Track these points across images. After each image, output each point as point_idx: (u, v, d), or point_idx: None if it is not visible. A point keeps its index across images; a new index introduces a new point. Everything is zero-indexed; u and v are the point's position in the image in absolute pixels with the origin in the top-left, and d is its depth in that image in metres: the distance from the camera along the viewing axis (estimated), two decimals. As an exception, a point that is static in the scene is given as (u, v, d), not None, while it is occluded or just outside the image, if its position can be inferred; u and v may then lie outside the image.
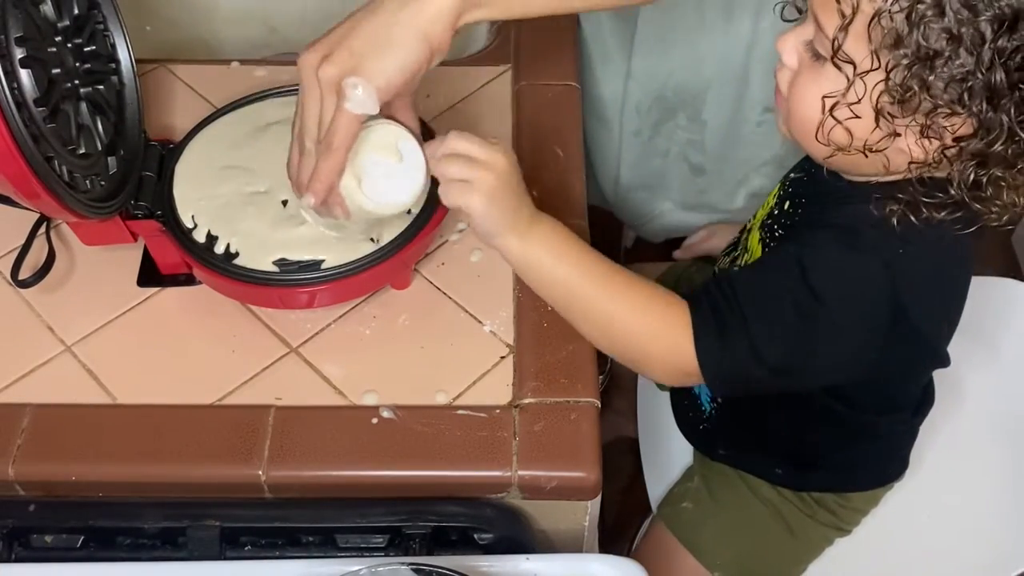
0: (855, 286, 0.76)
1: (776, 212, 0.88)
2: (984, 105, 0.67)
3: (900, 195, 0.73)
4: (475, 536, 0.80)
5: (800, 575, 1.04)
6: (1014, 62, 0.66)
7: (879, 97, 0.69)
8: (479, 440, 0.81)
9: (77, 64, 0.83)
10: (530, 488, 0.80)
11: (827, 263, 0.76)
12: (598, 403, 0.83)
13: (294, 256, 0.85)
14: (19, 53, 0.74)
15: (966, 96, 0.67)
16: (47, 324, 0.89)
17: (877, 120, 0.70)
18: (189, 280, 0.91)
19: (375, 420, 0.82)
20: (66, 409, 0.83)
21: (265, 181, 0.90)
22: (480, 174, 0.75)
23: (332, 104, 0.76)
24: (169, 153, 0.92)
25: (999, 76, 0.65)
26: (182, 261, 0.88)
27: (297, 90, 0.95)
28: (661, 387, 1.17)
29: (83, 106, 0.83)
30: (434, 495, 0.81)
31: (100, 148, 0.85)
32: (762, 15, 1.15)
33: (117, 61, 0.90)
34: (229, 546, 0.81)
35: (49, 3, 0.80)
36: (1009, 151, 0.69)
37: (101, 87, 0.86)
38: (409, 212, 0.87)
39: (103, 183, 0.84)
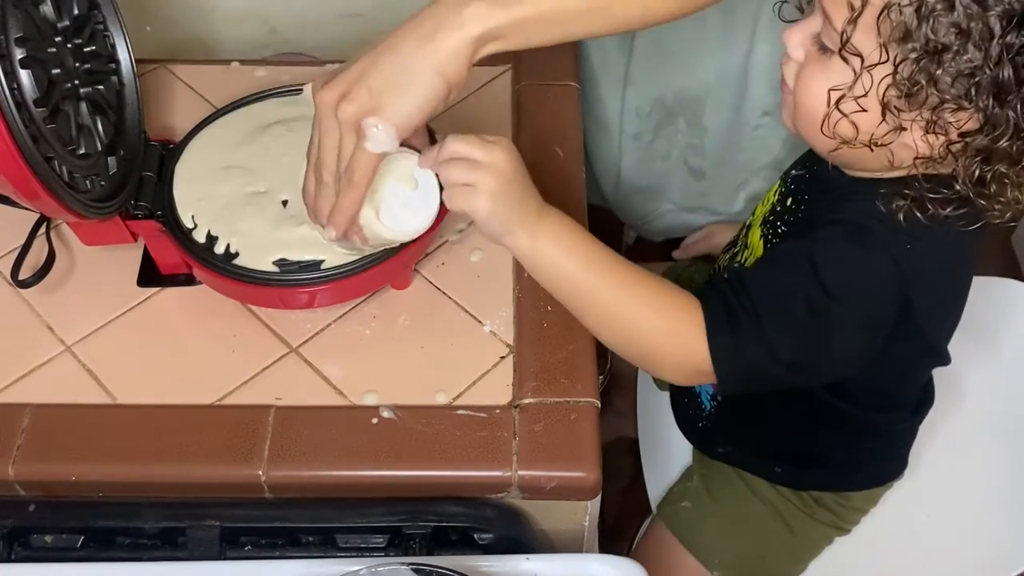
0: (866, 282, 0.76)
1: (778, 209, 0.88)
2: (991, 101, 0.67)
3: (906, 191, 0.73)
4: (475, 536, 0.80)
5: (799, 574, 1.04)
6: (1022, 58, 0.66)
7: (886, 91, 0.69)
8: (479, 440, 0.81)
9: (77, 64, 0.83)
10: (530, 488, 0.80)
11: (838, 259, 0.76)
12: (598, 403, 0.83)
13: (294, 256, 0.85)
14: (19, 53, 0.75)
15: (973, 91, 0.67)
16: (47, 324, 0.89)
17: (883, 114, 0.70)
18: (189, 280, 0.91)
19: (375, 420, 0.82)
20: (66, 409, 0.83)
21: (265, 181, 0.90)
22: (481, 176, 0.75)
23: (351, 142, 0.76)
24: (169, 153, 0.92)
25: (1007, 72, 0.66)
26: (182, 261, 0.88)
27: (297, 90, 0.96)
28: (661, 387, 1.17)
29: (83, 106, 0.83)
30: (434, 495, 0.81)
31: (100, 148, 0.85)
32: (760, 21, 1.15)
33: (117, 61, 0.90)
34: (229, 546, 0.81)
35: (49, 3, 0.80)
36: (1014, 147, 0.69)
37: (101, 87, 0.86)
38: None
39: (103, 183, 0.84)
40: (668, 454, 1.12)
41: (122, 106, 0.90)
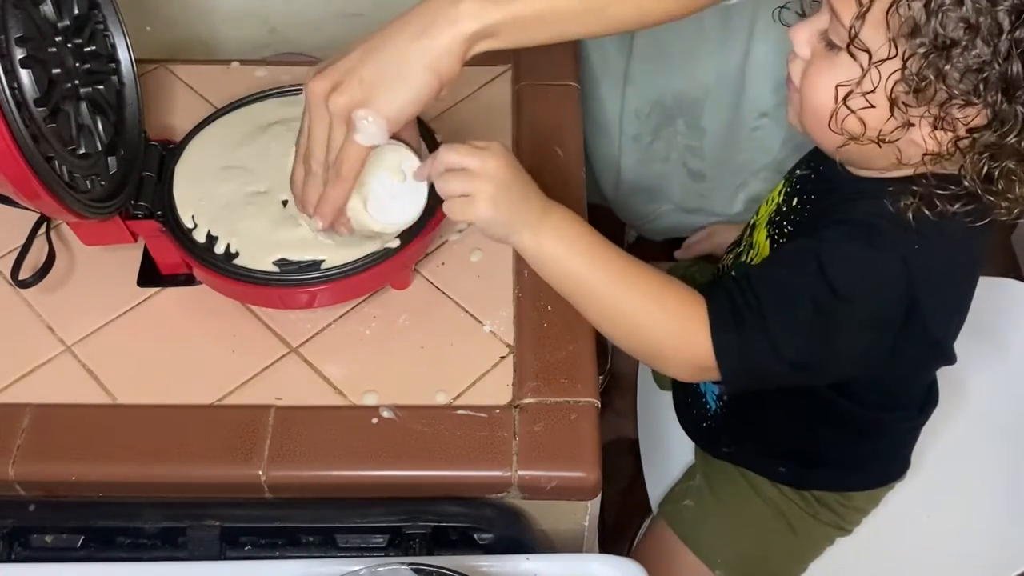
0: (874, 282, 0.76)
1: (784, 209, 0.88)
2: (999, 96, 0.67)
3: (914, 188, 0.73)
4: (475, 536, 0.80)
5: (801, 574, 1.04)
6: None
7: (894, 86, 0.69)
8: (479, 440, 0.81)
9: (77, 64, 0.83)
10: (530, 488, 0.80)
11: (846, 259, 0.76)
12: (598, 403, 0.83)
13: (294, 256, 0.85)
14: (19, 53, 0.75)
15: (981, 87, 0.67)
16: (47, 324, 0.89)
17: (892, 110, 0.70)
18: (189, 280, 0.91)
19: (375, 420, 0.82)
20: (66, 409, 0.83)
21: (265, 181, 0.90)
22: (477, 185, 0.76)
23: (341, 133, 0.76)
24: (169, 153, 0.92)
25: (1015, 67, 0.66)
26: (182, 261, 0.88)
27: (297, 90, 0.96)
28: (661, 387, 1.17)
29: (83, 106, 0.83)
30: (434, 495, 0.81)
31: (100, 148, 0.85)
32: (758, 23, 1.15)
33: (117, 61, 0.90)
34: (229, 546, 0.81)
35: (49, 3, 0.80)
36: (1022, 143, 0.69)
37: (101, 87, 0.86)
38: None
39: (103, 183, 0.84)
40: (668, 454, 1.12)
41: (122, 106, 0.90)
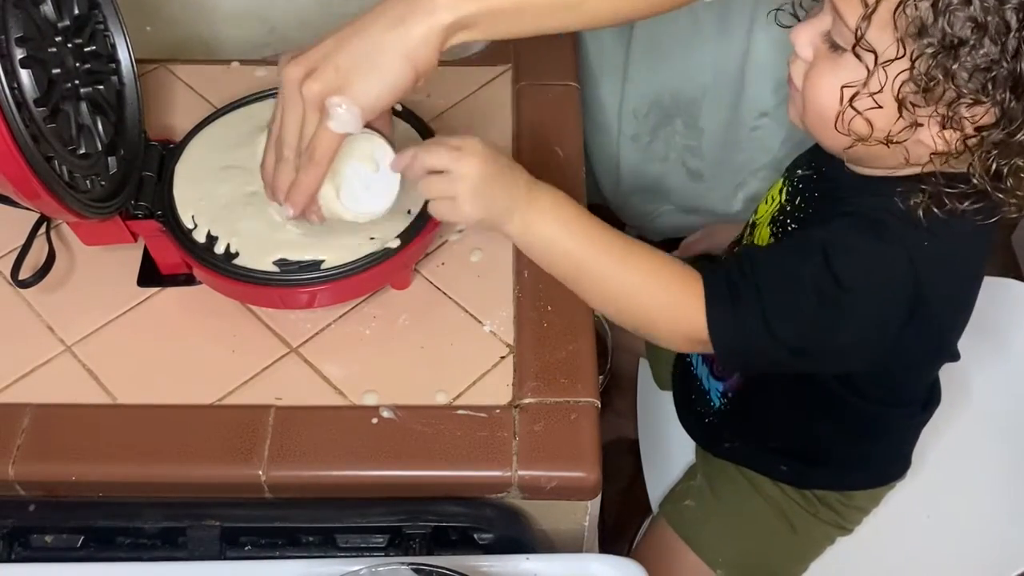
0: (881, 276, 0.76)
1: (788, 208, 0.88)
2: (1008, 94, 0.67)
3: (923, 186, 0.73)
4: (475, 536, 0.80)
5: (801, 573, 1.04)
6: None
7: (901, 86, 0.69)
8: (479, 440, 0.81)
9: (77, 64, 0.83)
10: (530, 488, 0.80)
11: (853, 252, 0.76)
12: (598, 403, 0.83)
13: (294, 256, 0.85)
14: (19, 53, 0.75)
15: (990, 85, 0.67)
16: (47, 324, 0.89)
17: (899, 110, 0.70)
18: (189, 280, 0.91)
19: (375, 420, 0.82)
20: (66, 409, 0.83)
21: (265, 181, 0.90)
22: (458, 186, 0.77)
23: (314, 120, 0.76)
24: (169, 153, 0.92)
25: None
26: (182, 261, 0.88)
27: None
28: (662, 387, 1.17)
29: (83, 106, 0.83)
30: (434, 495, 0.81)
31: (100, 148, 0.85)
32: (756, 23, 1.15)
33: (117, 61, 0.90)
34: (229, 546, 0.81)
35: (49, 3, 0.80)
36: None
37: (101, 87, 0.86)
38: (409, 212, 0.87)
39: (103, 183, 0.84)
40: (668, 454, 1.12)
41: (122, 106, 0.90)
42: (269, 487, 0.80)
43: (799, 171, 0.90)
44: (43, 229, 0.89)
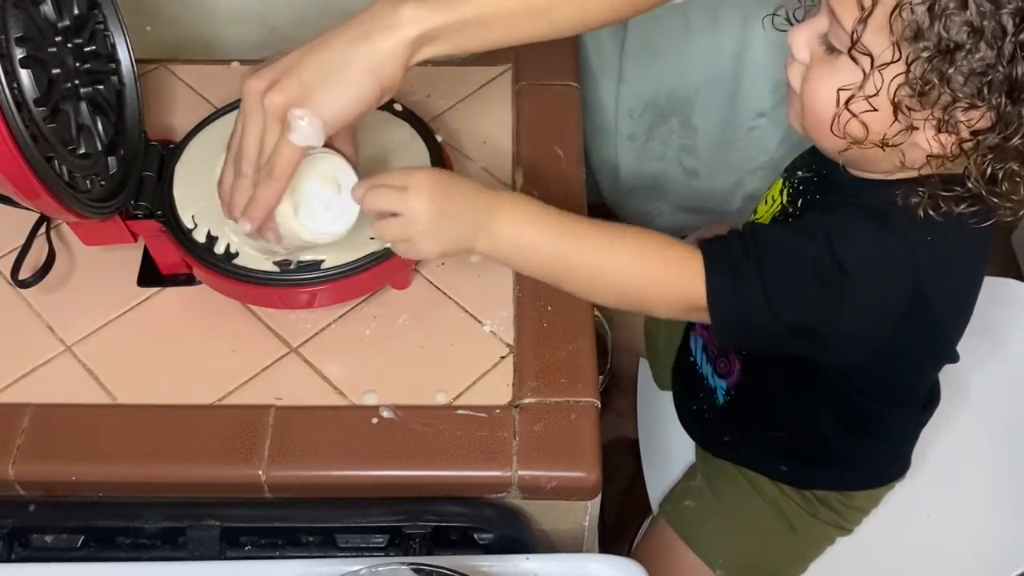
0: (883, 265, 0.76)
1: (789, 209, 0.88)
2: (1003, 99, 0.67)
3: (920, 188, 0.73)
4: (475, 536, 0.80)
5: (801, 574, 1.04)
6: None
7: (897, 90, 0.69)
8: (479, 440, 0.81)
9: (77, 64, 0.83)
10: (530, 488, 0.80)
11: (857, 239, 0.75)
12: (598, 403, 0.83)
13: (294, 256, 0.85)
14: (19, 53, 0.75)
15: (985, 89, 0.67)
16: (47, 324, 0.89)
17: (895, 113, 0.70)
18: (189, 280, 0.91)
19: (375, 420, 0.82)
20: (66, 409, 0.83)
21: (265, 181, 0.89)
22: (410, 229, 0.75)
23: (275, 133, 0.75)
24: (169, 153, 0.92)
25: (1019, 70, 0.65)
26: (182, 261, 0.88)
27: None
28: (662, 387, 1.17)
29: (83, 106, 0.83)
30: (434, 495, 0.81)
31: (100, 148, 0.85)
32: (751, 22, 1.15)
33: (117, 61, 0.90)
34: (229, 546, 0.81)
35: (49, 3, 0.80)
36: None
37: (101, 87, 0.86)
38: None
39: (103, 183, 0.84)
40: (668, 454, 1.12)
41: (122, 106, 0.90)
42: (269, 487, 0.80)
43: (799, 172, 0.90)
44: (43, 229, 0.89)
